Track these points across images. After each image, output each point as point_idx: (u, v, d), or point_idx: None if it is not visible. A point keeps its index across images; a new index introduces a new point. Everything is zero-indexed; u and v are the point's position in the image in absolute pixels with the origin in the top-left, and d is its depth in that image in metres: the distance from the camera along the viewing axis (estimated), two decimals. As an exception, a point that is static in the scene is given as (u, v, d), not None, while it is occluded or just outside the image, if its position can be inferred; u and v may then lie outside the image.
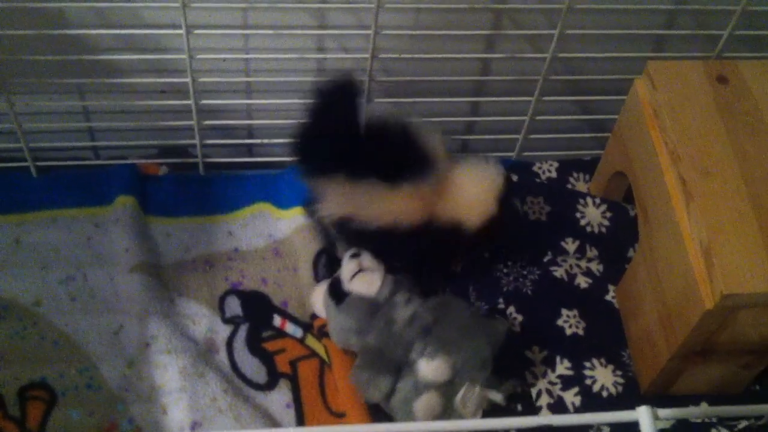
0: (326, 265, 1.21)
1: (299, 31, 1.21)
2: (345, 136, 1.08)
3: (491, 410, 1.09)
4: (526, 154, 1.37)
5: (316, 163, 1.11)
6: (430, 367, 1.04)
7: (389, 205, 1.09)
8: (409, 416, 1.06)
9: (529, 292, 1.22)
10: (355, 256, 1.15)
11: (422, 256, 1.17)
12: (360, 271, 1.13)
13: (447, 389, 1.05)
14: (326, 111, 1.09)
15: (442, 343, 1.06)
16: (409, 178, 1.08)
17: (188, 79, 1.17)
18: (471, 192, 1.13)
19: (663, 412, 0.58)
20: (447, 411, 1.06)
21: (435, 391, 1.05)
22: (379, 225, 1.10)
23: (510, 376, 1.12)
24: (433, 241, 1.14)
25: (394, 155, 1.08)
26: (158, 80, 1.24)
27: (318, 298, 1.16)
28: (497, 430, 0.94)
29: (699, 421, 1.12)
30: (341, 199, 1.10)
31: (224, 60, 1.25)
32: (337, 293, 1.13)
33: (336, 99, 1.08)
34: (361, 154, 1.08)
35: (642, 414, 0.58)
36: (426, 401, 1.05)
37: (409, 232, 1.12)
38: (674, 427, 1.11)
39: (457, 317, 1.09)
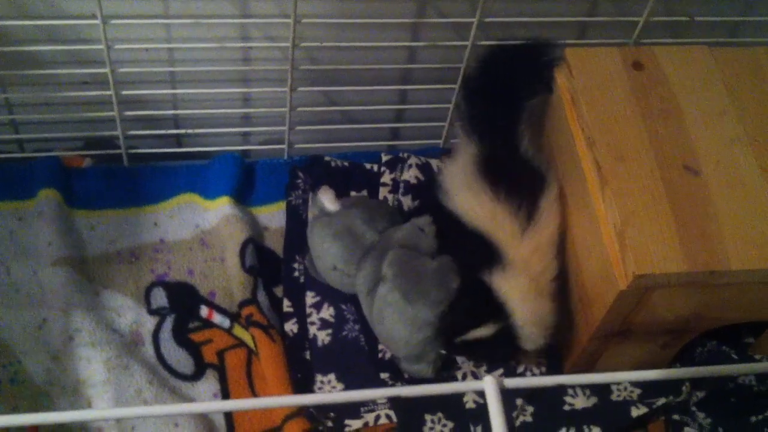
0: (253, 254, 1.21)
1: (220, 20, 1.21)
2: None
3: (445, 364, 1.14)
4: (454, 141, 1.38)
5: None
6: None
7: None
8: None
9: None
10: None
11: None
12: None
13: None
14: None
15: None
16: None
17: (107, 70, 1.16)
18: None
19: (508, 382, 0.61)
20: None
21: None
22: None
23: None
24: None
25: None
26: (77, 71, 1.22)
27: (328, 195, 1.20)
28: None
29: (620, 398, 1.15)
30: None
31: (147, 50, 1.24)
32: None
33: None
34: None
35: (488, 383, 0.61)
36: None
37: None
38: (596, 405, 1.14)
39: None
